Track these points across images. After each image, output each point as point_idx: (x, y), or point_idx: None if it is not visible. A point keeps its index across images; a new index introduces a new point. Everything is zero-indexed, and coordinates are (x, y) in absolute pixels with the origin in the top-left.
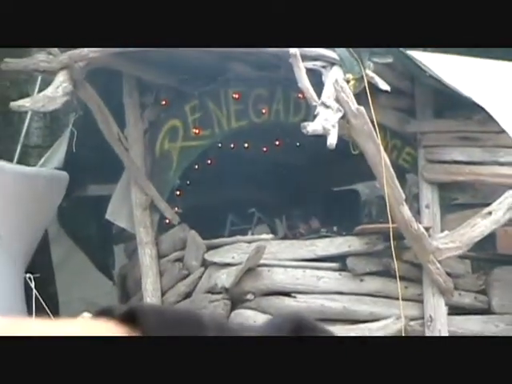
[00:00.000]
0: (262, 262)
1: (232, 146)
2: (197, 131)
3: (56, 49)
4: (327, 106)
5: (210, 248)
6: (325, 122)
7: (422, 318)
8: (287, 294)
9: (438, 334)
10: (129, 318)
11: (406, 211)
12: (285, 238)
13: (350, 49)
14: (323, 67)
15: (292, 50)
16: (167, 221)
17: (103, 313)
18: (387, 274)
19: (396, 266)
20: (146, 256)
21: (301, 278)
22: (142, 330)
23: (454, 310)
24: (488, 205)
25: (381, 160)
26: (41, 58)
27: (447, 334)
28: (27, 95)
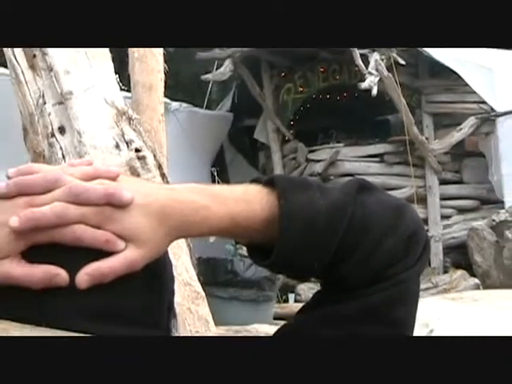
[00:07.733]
0: (338, 158)
1: (320, 97)
2: (301, 89)
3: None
4: (371, 74)
5: (310, 151)
6: (370, 82)
7: (425, 186)
8: (352, 175)
9: (433, 197)
10: (269, 182)
11: (415, 129)
12: (350, 145)
13: None
14: (369, 52)
15: None
16: (286, 138)
17: (255, 180)
18: (405, 163)
19: (410, 159)
20: (276, 157)
21: (359, 166)
22: (277, 189)
23: (442, 182)
24: (459, 124)
25: (401, 102)
26: (217, 51)
27: (438, 197)
28: (209, 72)
